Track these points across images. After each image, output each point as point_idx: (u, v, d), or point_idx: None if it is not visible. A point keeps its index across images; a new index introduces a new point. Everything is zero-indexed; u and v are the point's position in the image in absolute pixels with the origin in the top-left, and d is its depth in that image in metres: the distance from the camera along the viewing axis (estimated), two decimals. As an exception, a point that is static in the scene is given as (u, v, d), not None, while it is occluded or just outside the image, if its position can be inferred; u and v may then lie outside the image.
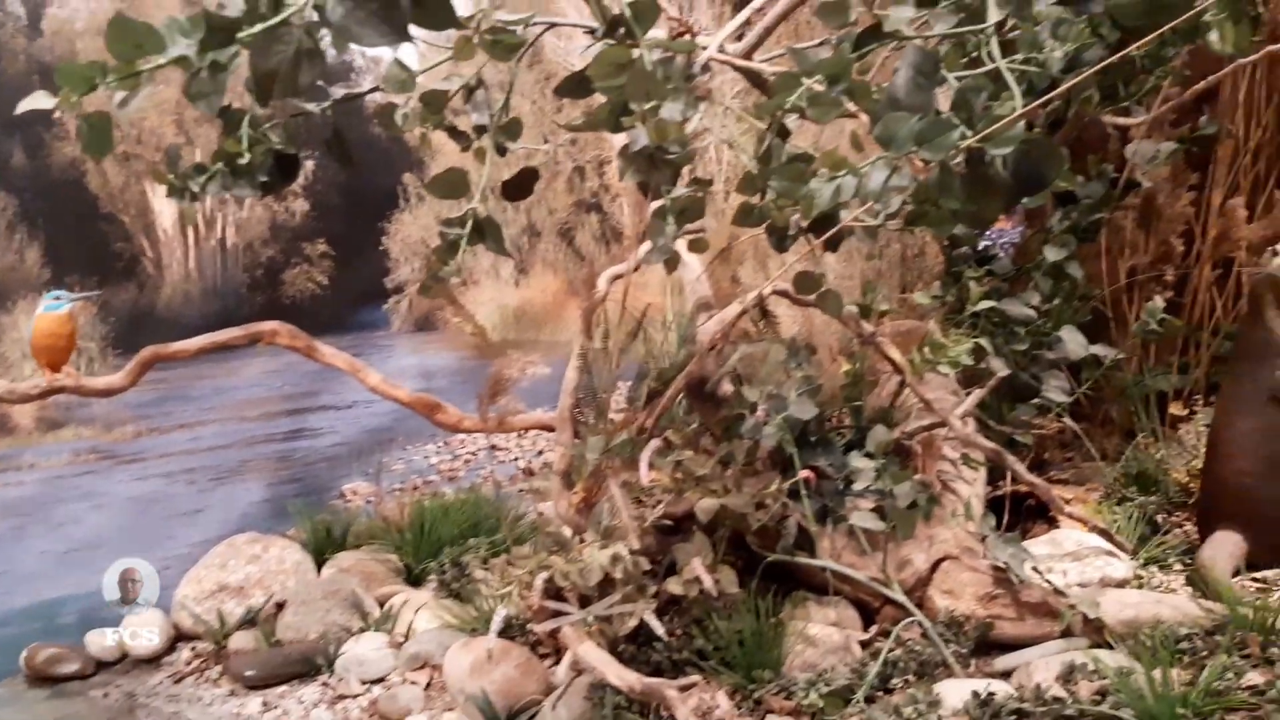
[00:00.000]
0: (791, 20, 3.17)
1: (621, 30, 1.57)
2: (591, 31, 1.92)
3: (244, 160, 2.07)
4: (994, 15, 1.91)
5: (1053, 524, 2.99)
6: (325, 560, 3.26)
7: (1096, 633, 2.35)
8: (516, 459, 4.61)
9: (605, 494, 2.18)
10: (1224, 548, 2.75)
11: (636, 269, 2.29)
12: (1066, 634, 2.39)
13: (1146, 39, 1.75)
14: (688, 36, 1.84)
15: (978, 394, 2.84)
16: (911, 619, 2.40)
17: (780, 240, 2.15)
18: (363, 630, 2.89)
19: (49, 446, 4.88)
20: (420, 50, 2.11)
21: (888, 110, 1.79)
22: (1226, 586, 2.55)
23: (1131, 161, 3.20)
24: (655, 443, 2.22)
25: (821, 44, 2.24)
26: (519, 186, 2.33)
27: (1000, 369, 2.90)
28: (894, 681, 2.30)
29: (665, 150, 1.81)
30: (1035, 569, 2.52)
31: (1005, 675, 2.32)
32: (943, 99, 1.79)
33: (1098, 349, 3.04)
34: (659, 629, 2.06)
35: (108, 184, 5.85)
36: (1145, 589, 2.68)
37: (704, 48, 2.24)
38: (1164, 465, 3.34)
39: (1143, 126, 3.27)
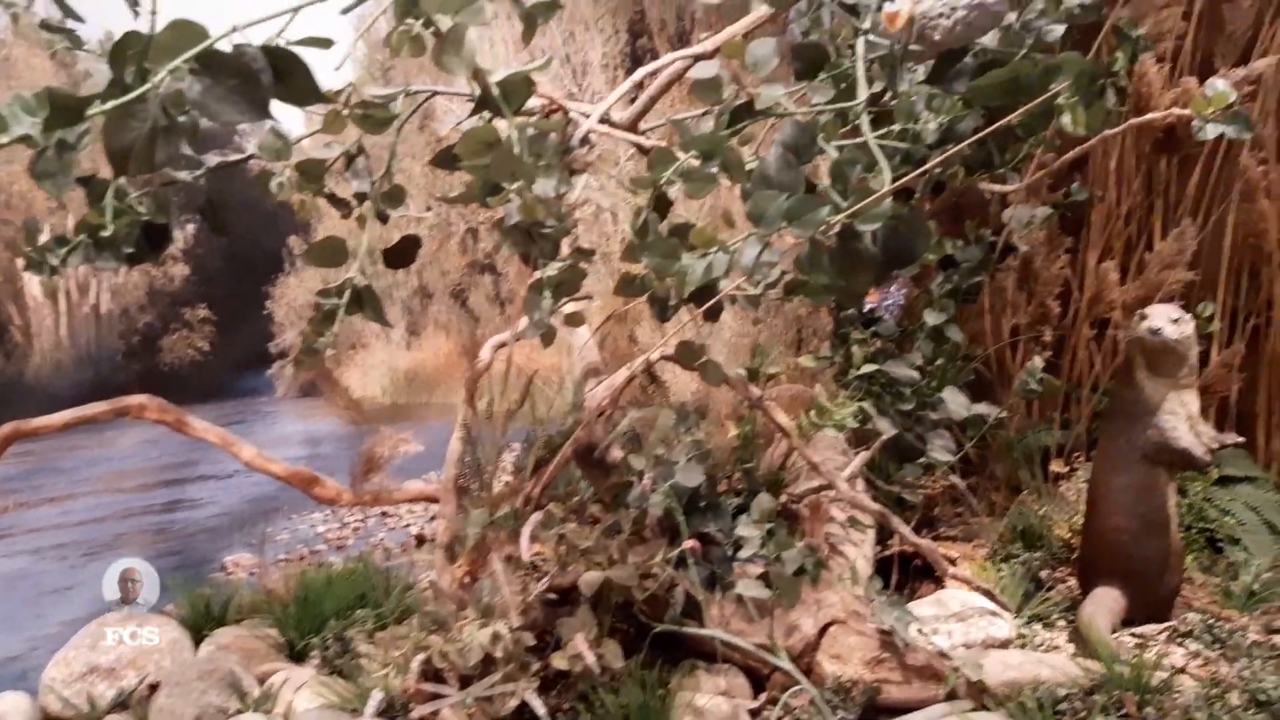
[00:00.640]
0: (684, 83, 3.22)
1: (490, 108, 1.57)
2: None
3: (108, 232, 2.00)
4: (863, 93, 1.96)
5: (940, 583, 3.02)
6: (204, 637, 3.13)
7: (979, 695, 2.38)
8: (408, 525, 4.51)
9: (489, 568, 2.14)
10: (1103, 604, 2.81)
11: (518, 339, 2.27)
12: (951, 697, 2.41)
13: (1006, 119, 1.81)
14: (559, 114, 1.85)
15: (863, 456, 2.88)
16: (799, 686, 2.40)
17: (662, 310, 2.16)
18: (240, 711, 2.77)
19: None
20: (306, 113, 2.08)
21: (759, 187, 1.82)
22: (1105, 644, 2.60)
23: (1009, 226, 3.31)
24: (537, 515, 2.20)
25: (704, 114, 2.28)
26: (401, 254, 2.30)
27: (887, 429, 2.95)
28: (782, 751, 2.29)
29: (541, 224, 1.81)
30: (920, 631, 2.54)
31: (892, 741, 2.33)
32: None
33: (981, 407, 3.11)
34: (540, 709, 2.02)
35: (-28, 251, 5.64)
36: (1028, 648, 2.72)
37: (586, 116, 2.26)
38: (1047, 521, 3.42)
39: (1020, 192, 3.40)
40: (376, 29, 2.06)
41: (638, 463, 2.40)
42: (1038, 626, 2.87)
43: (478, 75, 1.50)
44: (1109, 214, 3.83)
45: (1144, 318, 2.76)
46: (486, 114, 1.62)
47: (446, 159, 1.75)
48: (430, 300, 5.83)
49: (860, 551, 2.86)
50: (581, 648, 2.03)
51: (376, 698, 2.24)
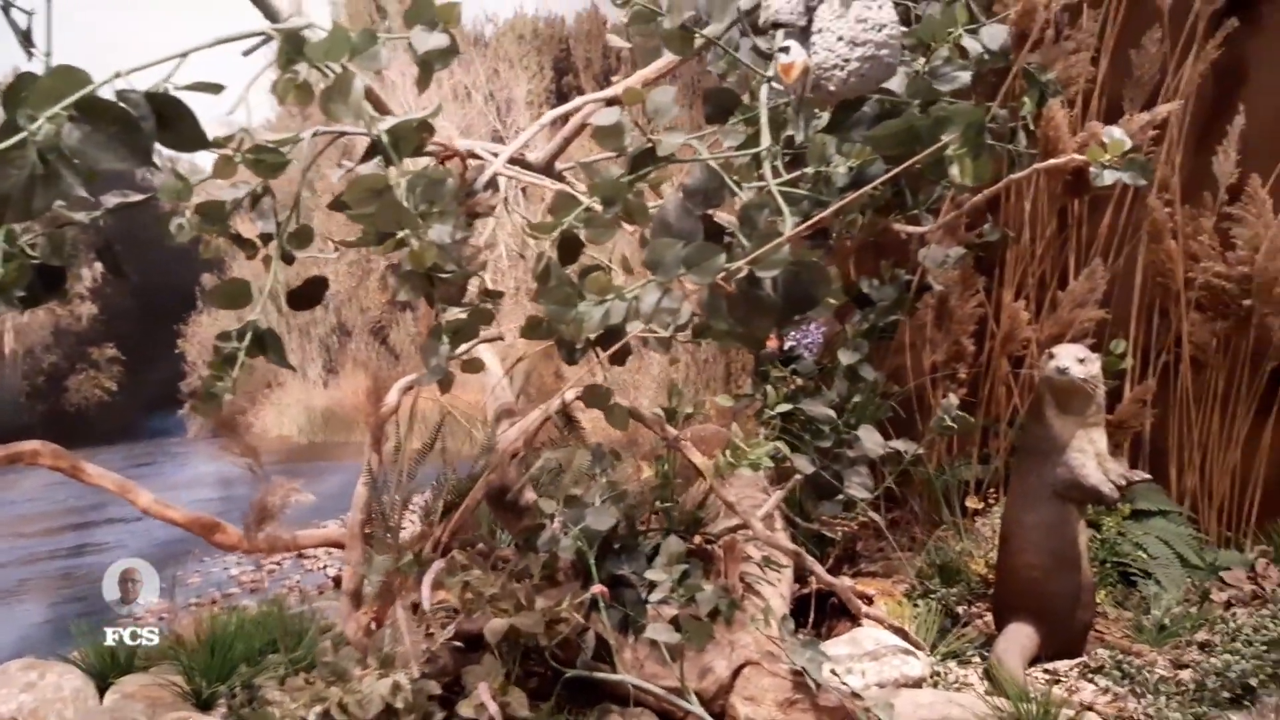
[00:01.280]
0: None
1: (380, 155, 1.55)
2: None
3: (-3, 275, 1.95)
4: (766, 139, 1.98)
5: (857, 621, 3.03)
6: (109, 685, 3.04)
7: (890, 736, 2.38)
8: (325, 567, 4.43)
9: (392, 616, 2.11)
10: (1015, 641, 2.83)
11: (410, 387, 2.24)
12: (863, 738, 2.41)
13: (903, 166, 1.83)
14: (455, 161, 1.84)
15: (779, 494, 2.88)
16: (711, 730, 2.38)
17: (570, 353, 2.15)
18: (144, 763, 2.69)
19: None
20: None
21: (658, 234, 1.83)
22: (1014, 682, 2.62)
23: (923, 266, 3.36)
24: (439, 563, 2.17)
25: (619, 156, 2.28)
26: (307, 296, 2.27)
27: (805, 467, 2.96)
28: (693, 797, 2.27)
29: (440, 269, 1.79)
30: (833, 671, 2.54)
31: (803, 784, 2.32)
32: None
33: (899, 444, 3.14)
34: (443, 760, 1.99)
35: None
36: (941, 686, 2.74)
37: (494, 155, 2.26)
38: (965, 557, 3.46)
39: (937, 232, 3.45)
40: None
41: (548, 506, 2.38)
42: (952, 664, 2.89)
43: (366, 122, 1.49)
44: (1022, 253, 3.91)
45: (1052, 357, 2.81)
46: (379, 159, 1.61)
47: (340, 204, 1.73)
48: (349, 338, 5.76)
49: (776, 591, 2.86)
50: (485, 697, 2.00)
51: (277, 750, 2.19)
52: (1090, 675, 2.81)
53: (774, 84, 2.01)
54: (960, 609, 3.26)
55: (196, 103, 1.67)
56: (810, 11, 1.88)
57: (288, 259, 2.26)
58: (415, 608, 2.16)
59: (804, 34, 1.85)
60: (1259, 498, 3.62)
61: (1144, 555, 3.45)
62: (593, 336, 2.04)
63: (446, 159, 1.82)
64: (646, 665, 2.53)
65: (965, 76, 2.31)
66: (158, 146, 1.57)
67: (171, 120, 1.56)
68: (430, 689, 2.07)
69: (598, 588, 2.24)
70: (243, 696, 2.83)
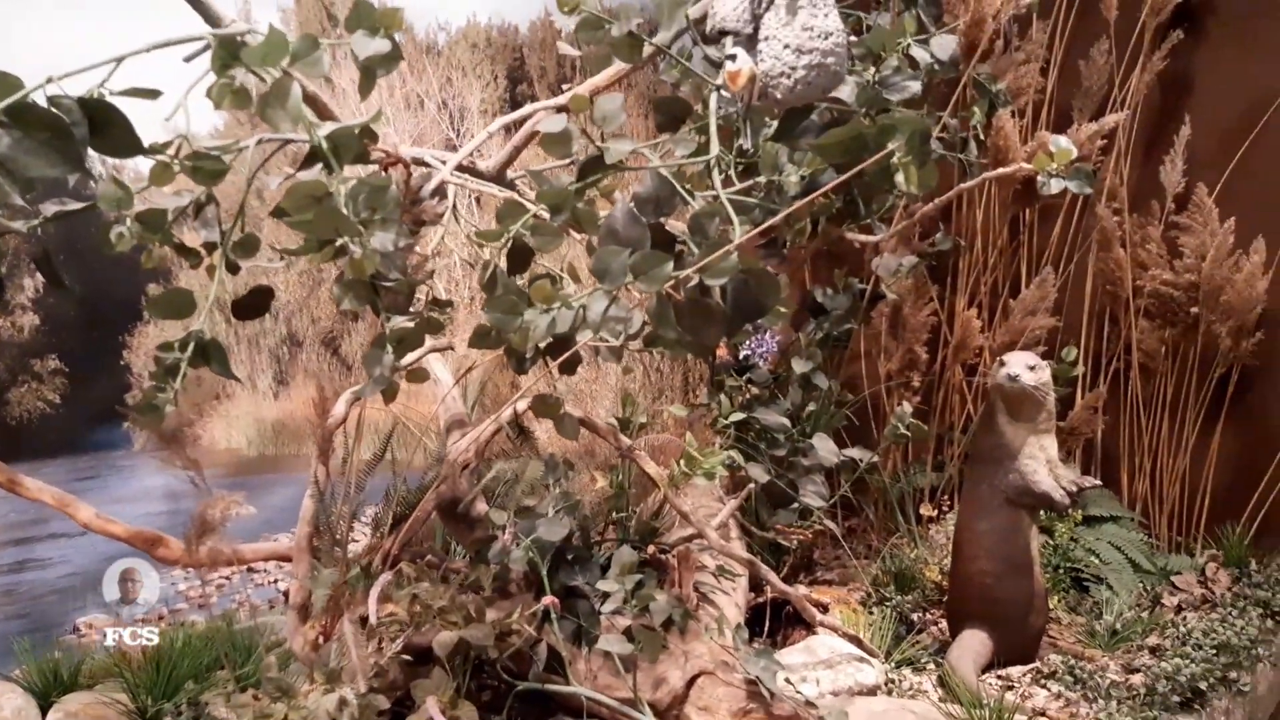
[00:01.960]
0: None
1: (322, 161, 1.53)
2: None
3: (-73, 286, 1.90)
4: (714, 147, 1.98)
5: (812, 629, 3.03)
6: (51, 704, 2.97)
7: (844, 744, 2.37)
8: (276, 581, 4.36)
9: (339, 630, 2.07)
10: (969, 648, 2.84)
11: (356, 400, 2.22)
12: (817, 746, 2.40)
13: (850, 173, 1.83)
14: (399, 168, 1.82)
15: (733, 503, 2.88)
16: (665, 741, 2.37)
17: (520, 362, 2.13)
18: (86, 784, 2.63)
19: None
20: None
21: (606, 242, 1.81)
22: (968, 688, 2.63)
23: (876, 275, 3.38)
24: (386, 575, 2.14)
25: (570, 163, 2.27)
26: (252, 306, 2.23)
27: (760, 476, 2.95)
28: (646, 809, 2.25)
29: (384, 277, 1.77)
30: (788, 680, 2.54)
31: (757, 794, 2.31)
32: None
33: (854, 451, 3.14)
34: (391, 776, 1.96)
35: None
36: (895, 693, 2.74)
37: (443, 163, 2.24)
38: (919, 564, 3.47)
39: (892, 241, 3.47)
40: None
41: (499, 517, 2.36)
42: (907, 671, 2.90)
43: (305, 128, 1.47)
44: (974, 262, 3.94)
45: (1002, 364, 2.83)
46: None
47: (281, 212, 1.70)
48: (300, 349, 5.68)
49: (731, 600, 2.85)
50: (433, 711, 1.97)
51: (222, 769, 2.14)
52: (1043, 681, 2.83)
53: (723, 92, 2.01)
54: (915, 616, 3.27)
55: (141, 111, 1.65)
56: (757, 19, 1.89)
57: (233, 268, 2.22)
58: (363, 621, 2.13)
59: (751, 42, 1.86)
60: (1208, 503, 3.67)
61: (1096, 561, 3.48)
62: (542, 345, 2.03)
63: (390, 165, 1.80)
64: (600, 677, 2.51)
65: (915, 86, 2.32)
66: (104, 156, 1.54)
67: (105, 126, 1.53)
68: (378, 704, 2.04)
69: (549, 599, 2.22)
70: (189, 714, 2.77)
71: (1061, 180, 2.41)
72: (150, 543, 2.29)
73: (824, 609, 3.03)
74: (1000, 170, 2.91)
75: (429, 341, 2.57)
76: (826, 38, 1.80)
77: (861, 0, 2.99)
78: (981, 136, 3.40)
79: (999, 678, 2.88)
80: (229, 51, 1.42)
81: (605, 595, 2.47)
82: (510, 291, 1.77)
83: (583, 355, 2.22)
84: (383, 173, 1.75)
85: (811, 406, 3.26)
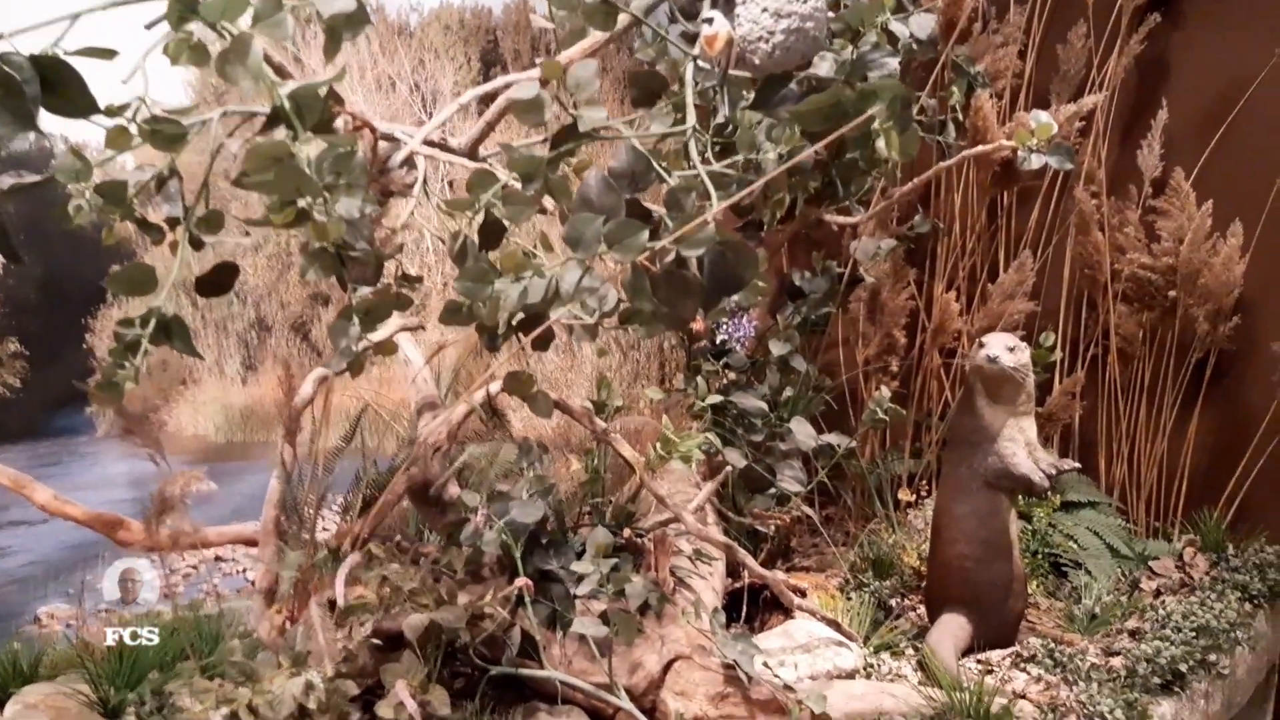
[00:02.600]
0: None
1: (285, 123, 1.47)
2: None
3: (-126, 257, 1.83)
4: (690, 118, 1.93)
5: (790, 614, 3.00)
6: (10, 696, 2.89)
7: (823, 728, 2.34)
8: (245, 570, 4.29)
9: (306, 613, 2.02)
10: (948, 631, 2.82)
11: (326, 377, 2.16)
12: (795, 730, 2.37)
13: (827, 139, 1.79)
14: (364, 131, 1.77)
15: (709, 488, 2.84)
16: (641, 726, 2.33)
17: (491, 339, 2.08)
18: (46, 777, 2.56)
19: None
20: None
21: (580, 210, 1.77)
22: (947, 671, 2.60)
23: (854, 258, 3.34)
24: (354, 557, 2.08)
25: (544, 141, 2.22)
26: (216, 284, 2.17)
27: (737, 461, 2.91)
28: (622, 795, 2.21)
29: (350, 247, 1.71)
30: (766, 664, 2.50)
31: (735, 779, 2.27)
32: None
33: (831, 437, 3.11)
34: (360, 761, 1.90)
35: None
36: (874, 677, 2.71)
37: (409, 136, 2.18)
38: (898, 549, 3.44)
39: (870, 224, 3.44)
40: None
41: (471, 500, 2.31)
42: (885, 655, 2.86)
43: (266, 85, 1.41)
44: (952, 246, 3.92)
45: (982, 346, 2.80)
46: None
47: (240, 180, 1.65)
48: (269, 333, 5.60)
49: (708, 584, 2.82)
50: (403, 695, 1.92)
51: (185, 758, 2.08)
52: (1023, 664, 2.80)
53: (699, 62, 1.97)
54: (893, 601, 3.24)
55: (102, 79, 1.58)
56: (734, -17, 1.85)
57: (196, 244, 2.16)
58: (331, 605, 2.07)
59: (729, 5, 1.81)
60: (1185, 488, 3.66)
61: (1075, 546, 3.47)
62: (515, 321, 1.98)
63: (357, 129, 1.75)
64: (575, 662, 2.46)
65: (893, 64, 2.28)
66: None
67: (58, 84, 1.47)
68: (347, 689, 1.98)
69: (523, 581, 2.17)
70: (152, 704, 2.71)
71: (1042, 156, 2.38)
72: (110, 525, 2.23)
73: (801, 594, 3.00)
74: (980, 148, 2.88)
75: (399, 319, 2.52)
76: (805, 1, 1.76)
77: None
78: (960, 118, 3.37)
79: (978, 661, 2.86)
80: (186, 5, 1.36)
81: (580, 579, 2.42)
82: (481, 261, 1.72)
83: (556, 333, 2.17)
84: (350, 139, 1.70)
85: (789, 391, 3.23)
